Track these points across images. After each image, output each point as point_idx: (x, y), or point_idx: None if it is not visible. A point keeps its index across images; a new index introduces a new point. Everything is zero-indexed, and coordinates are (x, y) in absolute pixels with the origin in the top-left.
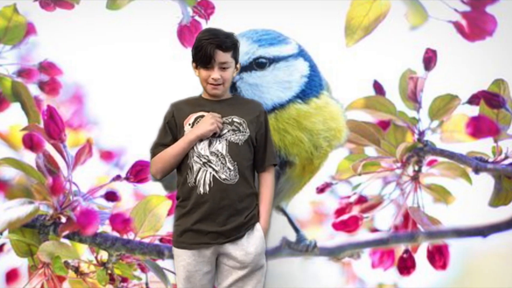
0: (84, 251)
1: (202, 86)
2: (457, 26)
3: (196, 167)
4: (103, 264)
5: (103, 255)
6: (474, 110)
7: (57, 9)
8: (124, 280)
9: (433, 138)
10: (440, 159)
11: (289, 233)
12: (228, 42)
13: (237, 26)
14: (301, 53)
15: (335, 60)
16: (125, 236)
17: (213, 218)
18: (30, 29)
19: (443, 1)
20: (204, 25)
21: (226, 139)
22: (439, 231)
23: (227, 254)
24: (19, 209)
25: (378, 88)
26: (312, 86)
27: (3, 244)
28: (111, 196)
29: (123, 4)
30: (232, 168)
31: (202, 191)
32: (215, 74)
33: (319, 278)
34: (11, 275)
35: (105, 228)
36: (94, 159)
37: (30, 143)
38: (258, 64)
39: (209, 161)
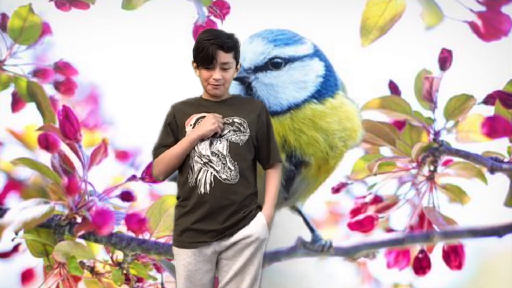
0: (99, 251)
1: (202, 86)
2: (473, 26)
3: (197, 167)
4: (118, 264)
5: (119, 255)
6: (489, 110)
7: (72, 9)
8: (139, 280)
9: (449, 138)
10: (456, 159)
11: (304, 233)
12: (229, 43)
13: (253, 26)
14: (317, 53)
15: (350, 60)
16: (140, 236)
17: (213, 217)
18: (45, 29)
19: (459, 1)
20: (220, 25)
21: (227, 139)
22: (454, 231)
23: (226, 247)
24: (34, 209)
25: (394, 88)
26: (328, 86)
27: (18, 244)
28: (127, 196)
29: (138, 4)
30: (232, 168)
31: (203, 191)
32: (217, 74)
33: (335, 278)
34: (27, 275)
35: (121, 228)
36: (110, 159)
37: (46, 143)
38: (274, 64)
39: (210, 161)
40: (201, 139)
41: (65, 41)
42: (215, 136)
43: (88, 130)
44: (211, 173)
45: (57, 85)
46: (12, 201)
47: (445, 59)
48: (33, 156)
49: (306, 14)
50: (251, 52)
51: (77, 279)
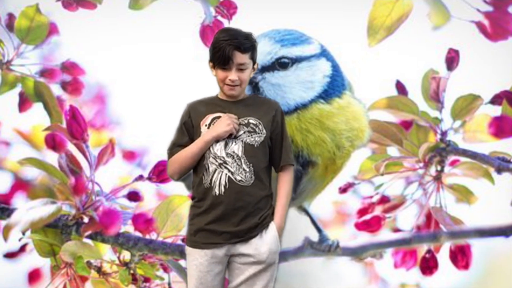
0: (106, 251)
1: (219, 86)
2: (480, 26)
3: (212, 168)
4: (125, 264)
5: (126, 255)
6: (496, 110)
7: (79, 9)
8: (146, 280)
9: (456, 138)
10: (463, 159)
11: (311, 233)
12: (247, 44)
13: (260, 26)
14: (324, 53)
15: (357, 60)
16: (147, 236)
17: (227, 218)
18: (52, 29)
19: (466, 1)
20: (227, 25)
21: (242, 141)
22: (461, 231)
23: (239, 253)
24: (41, 209)
25: (401, 88)
26: (335, 86)
27: (25, 244)
28: (134, 196)
29: (145, 4)
30: (247, 169)
31: (217, 192)
32: (233, 75)
33: (342, 278)
34: (34, 275)
35: (128, 228)
36: (117, 159)
37: (53, 143)
38: (281, 64)
39: (225, 162)
40: (216, 140)
41: (72, 41)
42: (230, 137)
43: (95, 130)
44: (226, 174)
45: (64, 85)
46: (19, 201)
47: (452, 59)
48: (40, 156)
49: (313, 14)
50: (258, 52)
51: (84, 279)
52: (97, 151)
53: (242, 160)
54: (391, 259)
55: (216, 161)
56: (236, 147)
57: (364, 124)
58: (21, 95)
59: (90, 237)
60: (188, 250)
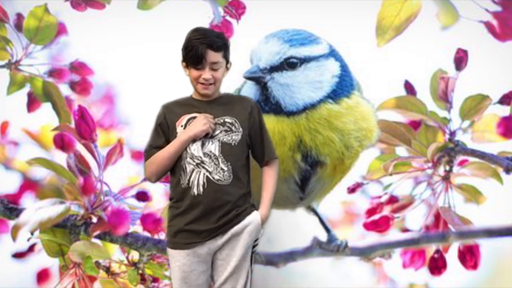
0: (115, 251)
1: (192, 85)
2: (488, 26)
3: (189, 168)
4: (134, 264)
5: (134, 255)
6: (505, 110)
7: (88, 9)
8: (155, 280)
9: (464, 138)
10: (471, 159)
11: (320, 233)
12: (219, 42)
13: (268, 26)
14: (332, 53)
15: (366, 60)
16: (156, 236)
17: (206, 218)
18: (61, 29)
19: (474, 1)
20: (235, 25)
21: (219, 140)
22: (470, 231)
23: (220, 247)
24: (50, 209)
25: (409, 88)
26: (343, 86)
27: (34, 244)
28: (142, 196)
29: (154, 4)
30: (225, 168)
31: (196, 192)
32: (206, 74)
33: (350, 278)
34: (42, 275)
35: (136, 228)
36: (125, 159)
37: (61, 143)
38: (289, 64)
39: (202, 162)
40: (193, 140)
41: (80, 41)
42: (206, 136)
43: (103, 130)
44: (204, 174)
45: (72, 85)
46: (28, 201)
47: (460, 59)
48: (49, 156)
49: (322, 14)
50: (267, 52)
51: (92, 279)
52: (105, 151)
53: (220, 160)
54: (399, 259)
55: (194, 161)
56: (213, 147)
57: (372, 124)
58: (29, 95)
59: (98, 237)
60: (170, 251)
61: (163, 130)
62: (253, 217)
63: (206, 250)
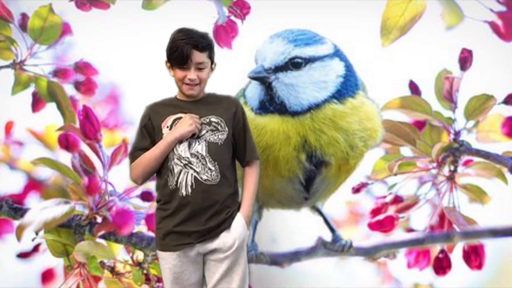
0: (119, 251)
1: (177, 86)
2: (493, 26)
3: (177, 169)
4: (138, 264)
5: (139, 255)
6: (510, 110)
7: (92, 9)
8: (160, 280)
9: (469, 138)
10: (476, 159)
11: (324, 233)
12: (204, 42)
13: (273, 26)
14: (337, 53)
15: (370, 60)
16: None
17: (195, 218)
18: (65, 29)
19: (479, 1)
20: (240, 25)
21: (205, 140)
22: (475, 231)
23: (210, 250)
24: (54, 209)
25: (414, 88)
26: (348, 86)
27: (39, 244)
28: (147, 196)
29: (158, 4)
30: (213, 168)
31: (184, 193)
32: (192, 74)
33: (355, 278)
34: (47, 275)
35: (141, 228)
36: None
37: (66, 143)
38: (294, 64)
39: (189, 162)
40: (180, 141)
41: (85, 41)
42: (193, 137)
43: (108, 130)
44: (192, 174)
45: (77, 85)
46: (33, 201)
47: (465, 59)
48: (54, 156)
49: (327, 14)
50: (272, 52)
51: (97, 279)
52: (110, 151)
53: (207, 159)
54: (404, 259)
55: (181, 162)
56: (200, 147)
57: (377, 124)
58: (34, 95)
59: (103, 237)
60: (160, 254)
61: (148, 132)
62: (238, 222)
63: (195, 251)
